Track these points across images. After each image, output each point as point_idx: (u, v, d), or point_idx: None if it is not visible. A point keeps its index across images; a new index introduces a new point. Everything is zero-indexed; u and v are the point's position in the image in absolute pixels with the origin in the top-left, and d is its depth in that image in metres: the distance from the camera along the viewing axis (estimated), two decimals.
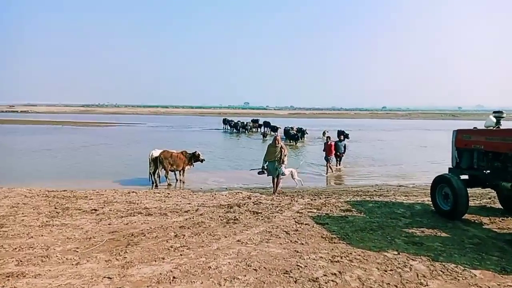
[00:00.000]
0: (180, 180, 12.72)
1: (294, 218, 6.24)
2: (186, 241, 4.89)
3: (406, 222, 6.17)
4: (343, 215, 6.58)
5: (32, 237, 4.90)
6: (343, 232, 5.48)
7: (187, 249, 4.59)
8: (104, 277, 3.65)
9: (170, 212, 6.51)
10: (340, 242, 5.03)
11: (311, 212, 6.74)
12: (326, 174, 14.11)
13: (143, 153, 12.66)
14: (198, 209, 6.77)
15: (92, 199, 7.53)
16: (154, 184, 12.09)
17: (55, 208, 6.56)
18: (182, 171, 12.69)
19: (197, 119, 65.42)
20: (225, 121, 40.37)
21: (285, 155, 10.22)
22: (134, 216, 6.19)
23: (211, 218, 6.13)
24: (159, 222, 5.81)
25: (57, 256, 4.21)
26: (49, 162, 17.09)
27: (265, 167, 10.26)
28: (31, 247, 4.48)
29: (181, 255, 4.38)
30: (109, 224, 5.64)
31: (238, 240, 4.95)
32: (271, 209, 6.89)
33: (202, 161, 12.85)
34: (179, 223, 5.80)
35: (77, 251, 4.41)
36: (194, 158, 12.66)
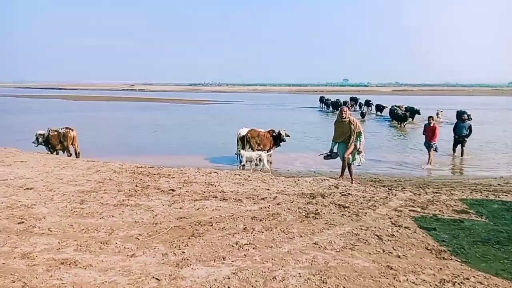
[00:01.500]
0: (268, 161, 12.23)
1: (390, 218, 5.09)
2: (254, 237, 4.22)
3: None
4: (457, 218, 5.17)
5: (102, 217, 4.80)
6: (457, 244, 4.18)
7: (253, 248, 3.91)
8: (153, 277, 3.20)
9: (246, 198, 5.94)
10: (452, 259, 3.80)
11: (413, 211, 5.47)
12: (428, 164, 11.53)
13: (235, 131, 12.46)
14: (276, 196, 6.06)
15: (174, 177, 7.42)
16: (242, 163, 11.84)
17: (136, 186, 6.55)
18: (269, 150, 12.16)
19: (293, 97, 64.76)
20: (322, 100, 38.51)
21: (358, 134, 7.84)
22: (208, 200, 5.78)
23: (289, 209, 5.36)
24: (231, 210, 5.27)
25: (116, 243, 3.95)
26: (150, 137, 18.35)
27: (334, 151, 8.19)
28: (97, 230, 4.33)
29: (245, 255, 3.72)
30: (180, 208, 5.31)
31: (315, 243, 4.09)
32: (361, 203, 5.81)
33: (284, 140, 12.03)
34: (252, 212, 5.17)
35: (138, 239, 4.10)
36: (278, 138, 11.96)
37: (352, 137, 7.86)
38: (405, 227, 4.72)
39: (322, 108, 37.47)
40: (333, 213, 5.26)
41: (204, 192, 6.27)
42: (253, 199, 5.91)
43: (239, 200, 5.81)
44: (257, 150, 12.02)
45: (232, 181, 7.17)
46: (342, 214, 5.20)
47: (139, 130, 21.00)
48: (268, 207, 5.45)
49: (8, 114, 30.51)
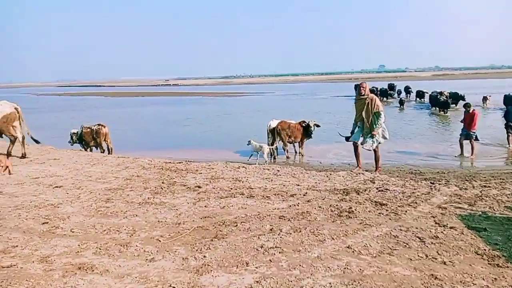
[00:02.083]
0: (299, 153, 11.87)
1: (433, 217, 4.59)
2: (281, 239, 3.91)
3: None
4: (511, 216, 4.58)
5: (126, 217, 4.68)
6: None
7: (279, 252, 3.61)
8: (170, 285, 2.98)
9: (274, 195, 5.63)
10: (508, 266, 3.30)
11: (459, 208, 4.92)
12: (471, 155, 10.51)
13: (266, 122, 12.14)
14: (306, 193, 5.70)
15: (201, 173, 7.25)
16: (272, 156, 11.56)
17: (163, 182, 6.42)
18: (301, 142, 11.78)
19: (326, 86, 63.29)
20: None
21: (377, 115, 7.19)
22: (234, 197, 5.53)
23: (320, 207, 4.99)
24: (258, 208, 4.98)
25: (136, 245, 3.78)
26: (182, 131, 18.49)
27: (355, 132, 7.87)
28: (118, 230, 4.20)
29: (270, 261, 3.42)
30: (205, 206, 5.09)
31: (348, 246, 3.71)
32: (401, 199, 5.32)
33: (311, 132, 11.51)
34: (279, 211, 4.86)
35: (160, 241, 3.92)
36: (307, 129, 11.49)
37: (370, 117, 7.22)
38: (451, 228, 4.22)
39: None
40: (369, 211, 4.84)
41: (231, 188, 6.03)
42: (281, 196, 5.59)
43: (267, 197, 5.52)
44: (289, 142, 11.68)
45: (260, 176, 6.88)
46: (379, 213, 4.76)
47: (172, 124, 21.25)
48: (298, 205, 5.11)
49: (49, 111, 32.01)
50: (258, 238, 3.95)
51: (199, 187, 6.13)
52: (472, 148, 10.66)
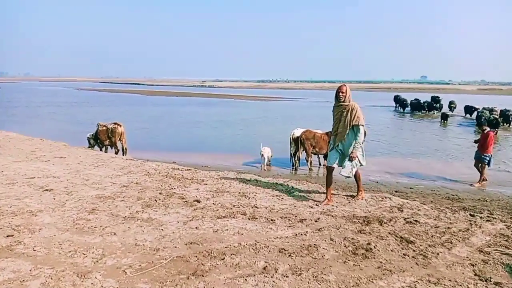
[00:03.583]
0: (324, 166, 10.94)
1: (472, 265, 3.63)
2: (273, 284, 3.11)
3: None
4: None
5: (102, 235, 4.06)
6: None
7: None
8: None
9: (281, 218, 4.83)
10: None
11: (507, 254, 3.90)
12: (479, 182, 8.96)
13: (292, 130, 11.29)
14: (319, 218, 4.86)
15: (207, 184, 6.58)
16: (294, 167, 10.74)
17: (160, 193, 5.79)
18: (326, 155, 10.85)
19: (364, 95, 61.09)
20: (397, 99, 34.57)
21: (356, 129, 5.39)
22: (233, 218, 4.79)
23: (331, 240, 4.14)
24: (257, 236, 4.20)
25: (96, 277, 3.12)
26: (207, 133, 18.00)
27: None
28: (85, 254, 3.57)
29: None
30: (196, 228, 4.38)
31: None
32: (432, 236, 4.36)
33: None
34: (281, 241, 4.06)
35: (126, 273, 3.24)
36: None
37: (346, 130, 5.41)
38: (496, 284, 3.26)
39: (397, 107, 34.06)
40: (392, 250, 3.93)
41: (233, 206, 5.29)
42: (289, 220, 4.78)
43: (272, 220, 4.73)
44: (313, 153, 10.79)
45: (270, 193, 6.09)
46: (404, 254, 3.85)
47: (198, 126, 20.89)
48: (305, 234, 4.29)
49: (82, 107, 32.82)
50: (245, 280, 3.18)
51: (198, 201, 5.44)
52: (481, 175, 9.12)
